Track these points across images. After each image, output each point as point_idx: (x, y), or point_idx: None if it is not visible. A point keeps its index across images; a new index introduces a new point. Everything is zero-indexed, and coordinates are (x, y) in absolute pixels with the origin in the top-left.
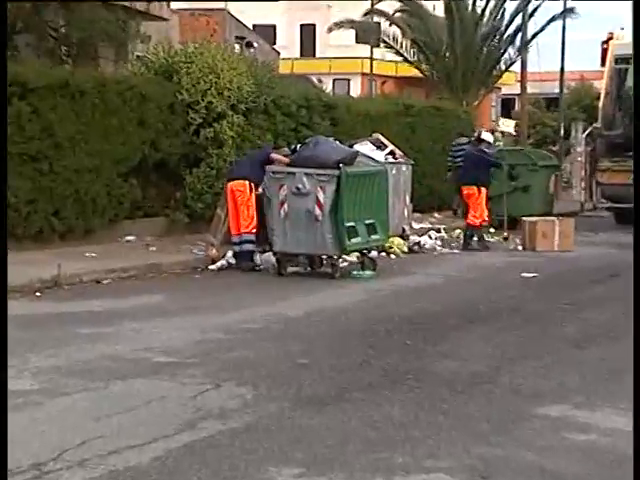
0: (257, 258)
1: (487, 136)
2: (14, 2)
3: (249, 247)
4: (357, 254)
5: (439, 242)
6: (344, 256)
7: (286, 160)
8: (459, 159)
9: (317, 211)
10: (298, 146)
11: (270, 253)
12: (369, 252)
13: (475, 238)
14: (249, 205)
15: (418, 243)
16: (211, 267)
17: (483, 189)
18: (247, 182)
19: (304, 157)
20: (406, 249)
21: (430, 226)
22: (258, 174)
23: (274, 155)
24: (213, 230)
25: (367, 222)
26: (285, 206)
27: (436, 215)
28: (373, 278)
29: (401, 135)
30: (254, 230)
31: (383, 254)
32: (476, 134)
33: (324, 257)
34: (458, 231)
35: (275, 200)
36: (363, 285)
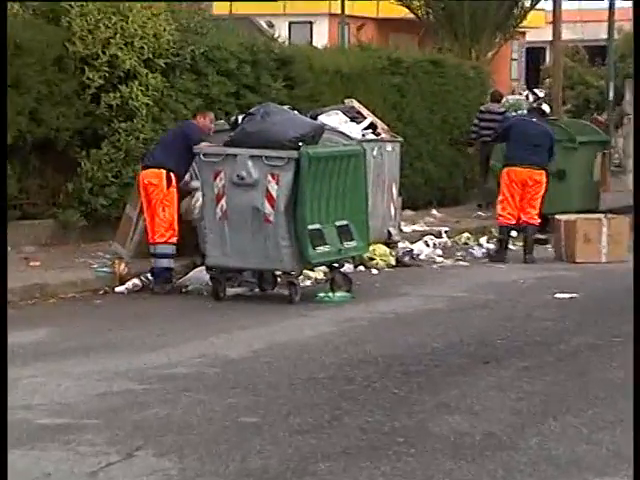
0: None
1: (548, 109)
2: (14, 2)
3: (164, 263)
4: (325, 269)
5: (439, 251)
6: (306, 272)
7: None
8: (487, 131)
9: (268, 209)
10: (240, 118)
11: (202, 268)
12: (341, 266)
13: (492, 246)
14: (166, 204)
15: (410, 252)
16: (119, 289)
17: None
18: (163, 171)
19: (249, 133)
20: (393, 261)
21: (427, 228)
22: (180, 160)
23: (198, 123)
24: (121, 237)
25: (338, 224)
26: (223, 202)
27: (435, 213)
28: (347, 302)
29: (385, 101)
30: (173, 239)
31: (361, 268)
32: (532, 102)
33: (278, 274)
34: (466, 235)
35: (209, 194)
36: (333, 312)
